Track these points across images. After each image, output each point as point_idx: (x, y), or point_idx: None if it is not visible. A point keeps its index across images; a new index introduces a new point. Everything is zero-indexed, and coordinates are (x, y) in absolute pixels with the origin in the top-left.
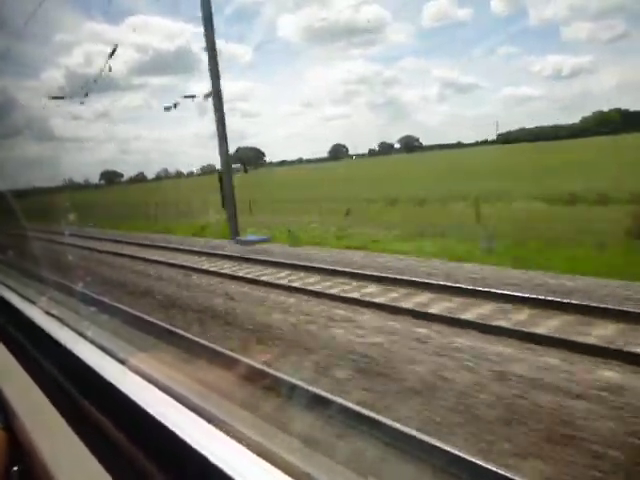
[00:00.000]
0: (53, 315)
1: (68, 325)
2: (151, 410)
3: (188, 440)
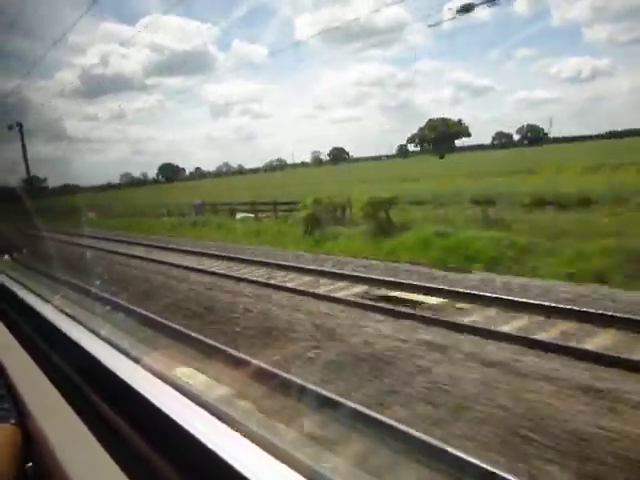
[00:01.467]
0: (66, 313)
1: (81, 323)
2: (165, 409)
3: (202, 439)
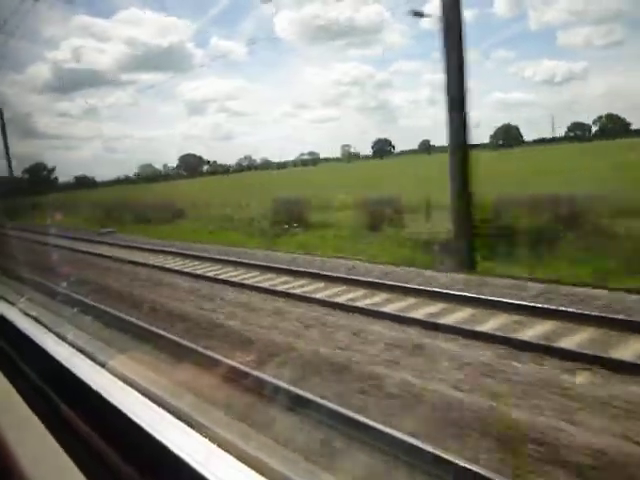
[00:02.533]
0: (32, 317)
1: (47, 327)
2: (128, 412)
3: (165, 442)
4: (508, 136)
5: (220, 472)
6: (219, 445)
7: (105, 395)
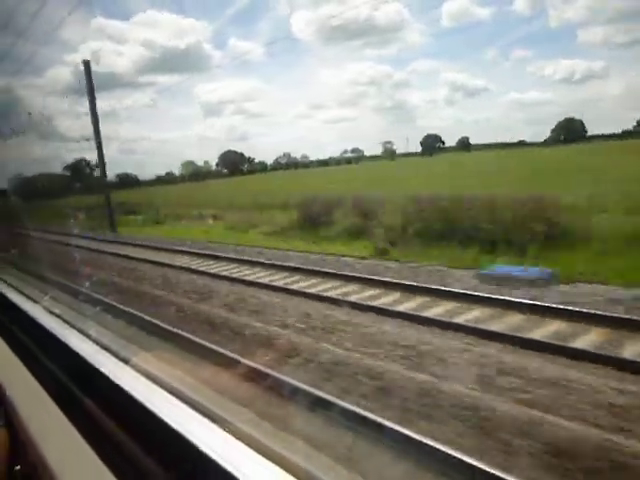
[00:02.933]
0: (55, 314)
1: (70, 324)
2: (154, 408)
3: (190, 437)
4: (569, 131)
5: (244, 467)
6: (242, 440)
7: (130, 391)
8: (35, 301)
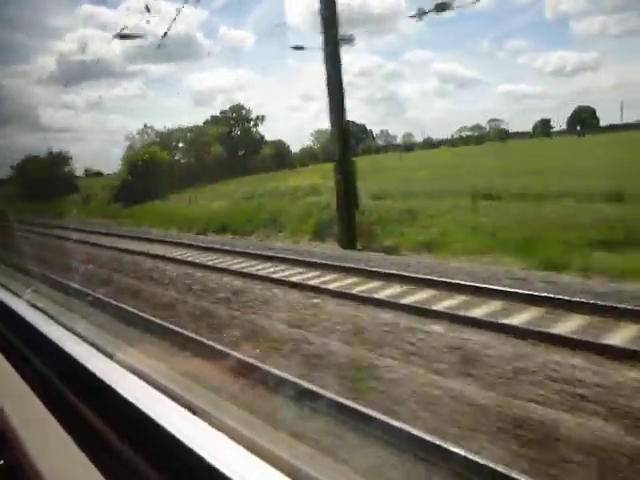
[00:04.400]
0: (39, 308)
1: (55, 319)
2: (139, 404)
3: (175, 432)
4: (580, 121)
5: (228, 460)
6: (227, 434)
7: (113, 385)
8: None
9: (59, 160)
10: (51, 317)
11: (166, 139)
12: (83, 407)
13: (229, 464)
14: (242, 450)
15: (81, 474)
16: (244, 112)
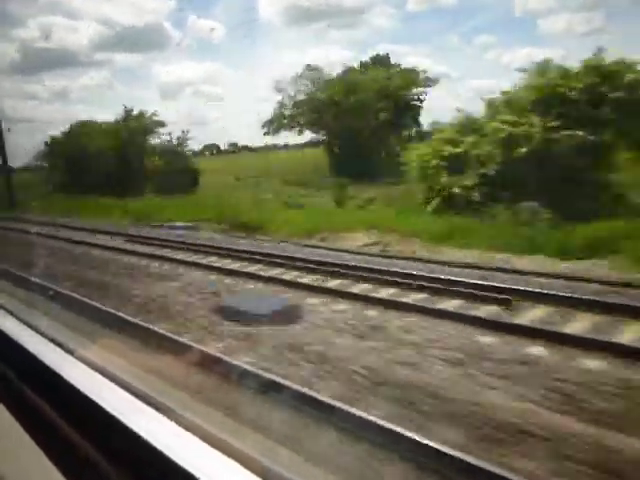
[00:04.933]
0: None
1: (12, 313)
2: (98, 399)
3: (135, 428)
4: None
5: (189, 456)
6: (188, 429)
7: (73, 382)
8: None
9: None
10: None
11: None
12: (41, 403)
13: (189, 458)
14: (207, 447)
15: (39, 472)
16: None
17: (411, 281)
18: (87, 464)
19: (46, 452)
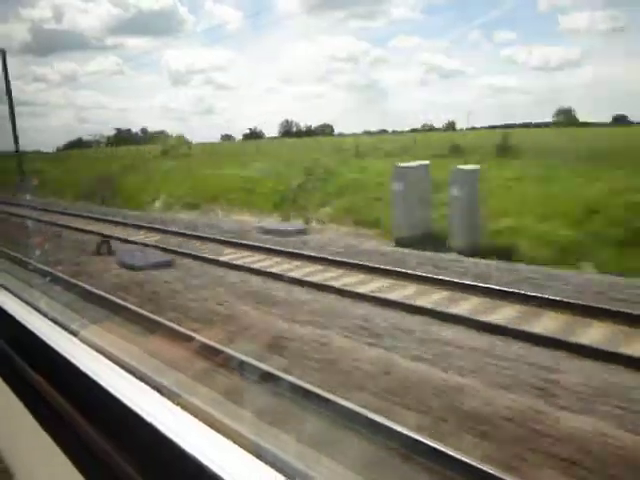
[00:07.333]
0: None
1: (18, 296)
2: (102, 382)
3: (138, 410)
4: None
5: (190, 437)
6: (189, 411)
7: (76, 363)
8: None
9: None
10: None
11: None
12: (43, 383)
13: (190, 440)
14: (207, 429)
15: (43, 453)
16: None
17: None
18: (79, 435)
19: (47, 430)
